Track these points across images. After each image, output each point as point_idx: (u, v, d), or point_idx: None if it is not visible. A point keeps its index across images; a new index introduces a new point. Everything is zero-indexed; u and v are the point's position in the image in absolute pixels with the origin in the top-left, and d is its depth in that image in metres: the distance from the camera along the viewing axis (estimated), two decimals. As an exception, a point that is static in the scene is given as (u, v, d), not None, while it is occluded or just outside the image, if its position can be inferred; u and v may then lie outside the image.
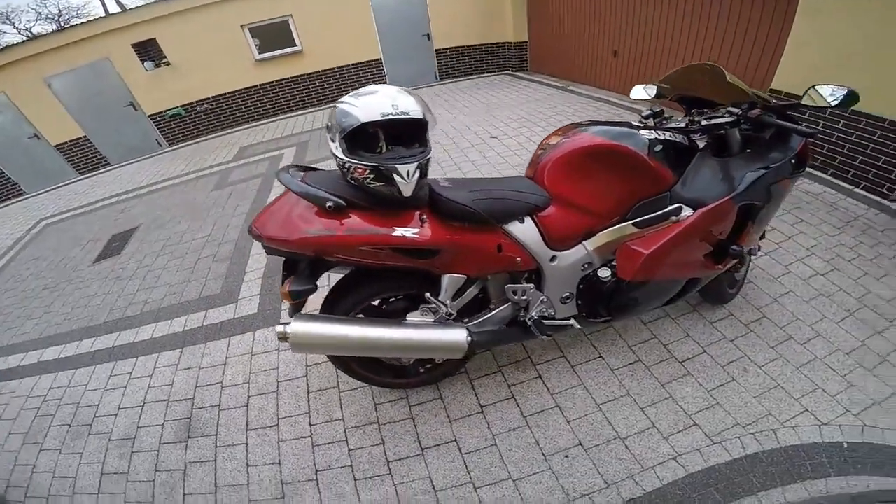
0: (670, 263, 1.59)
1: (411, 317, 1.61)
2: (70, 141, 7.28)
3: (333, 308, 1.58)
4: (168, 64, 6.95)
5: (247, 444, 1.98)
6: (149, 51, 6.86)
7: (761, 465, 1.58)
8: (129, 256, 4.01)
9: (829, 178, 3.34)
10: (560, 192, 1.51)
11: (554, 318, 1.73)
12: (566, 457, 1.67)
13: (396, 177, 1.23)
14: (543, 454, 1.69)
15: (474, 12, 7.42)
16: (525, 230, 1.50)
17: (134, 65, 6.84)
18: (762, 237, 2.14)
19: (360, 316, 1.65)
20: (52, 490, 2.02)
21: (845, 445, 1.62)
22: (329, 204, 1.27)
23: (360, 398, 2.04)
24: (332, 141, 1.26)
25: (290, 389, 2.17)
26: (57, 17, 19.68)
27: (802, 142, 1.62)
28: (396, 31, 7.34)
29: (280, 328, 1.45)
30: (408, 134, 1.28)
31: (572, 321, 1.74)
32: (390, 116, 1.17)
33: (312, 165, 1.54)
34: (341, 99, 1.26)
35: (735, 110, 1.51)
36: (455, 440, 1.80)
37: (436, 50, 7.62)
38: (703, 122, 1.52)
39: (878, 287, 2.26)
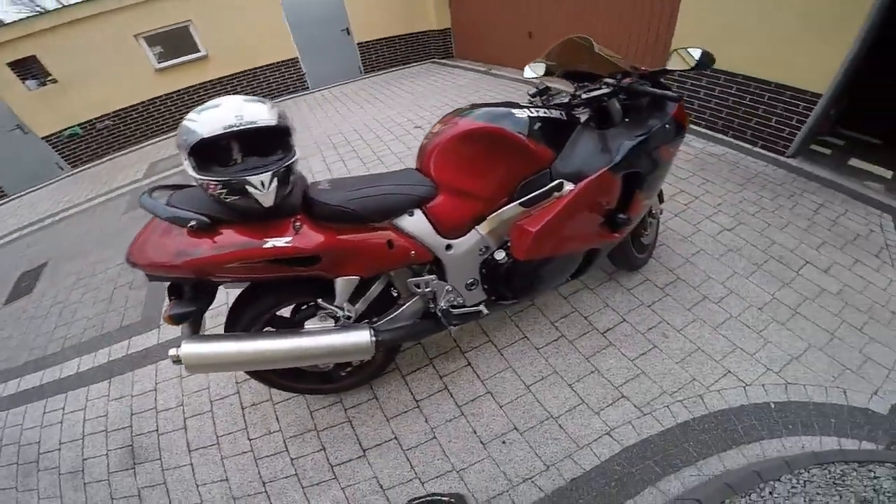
0: (561, 238, 1.62)
1: (310, 324, 1.57)
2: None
3: (235, 324, 1.54)
4: (55, 81, 6.24)
5: (192, 464, 1.91)
6: (29, 68, 6.11)
7: (694, 433, 1.61)
8: (41, 294, 3.66)
9: (729, 139, 3.56)
10: (445, 180, 1.50)
11: (465, 306, 1.73)
12: (504, 442, 1.67)
13: (250, 189, 1.18)
14: (482, 442, 1.69)
15: (394, 2, 7.26)
16: (415, 223, 1.48)
17: (13, 85, 6.07)
18: (661, 200, 2.23)
19: (270, 329, 1.61)
20: None
21: (772, 406, 1.68)
22: (191, 224, 1.22)
23: (294, 408, 1.99)
24: (184, 160, 1.18)
25: (224, 407, 2.09)
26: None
27: (676, 107, 1.68)
28: (312, 27, 7.00)
29: (172, 352, 1.39)
30: (268, 143, 1.22)
31: (481, 307, 1.74)
32: (234, 128, 1.12)
33: (181, 184, 1.43)
34: (187, 116, 1.17)
35: (611, 81, 1.56)
36: (395, 437, 1.79)
37: (357, 44, 7.38)
38: (584, 96, 1.56)
39: (782, 237, 2.42)
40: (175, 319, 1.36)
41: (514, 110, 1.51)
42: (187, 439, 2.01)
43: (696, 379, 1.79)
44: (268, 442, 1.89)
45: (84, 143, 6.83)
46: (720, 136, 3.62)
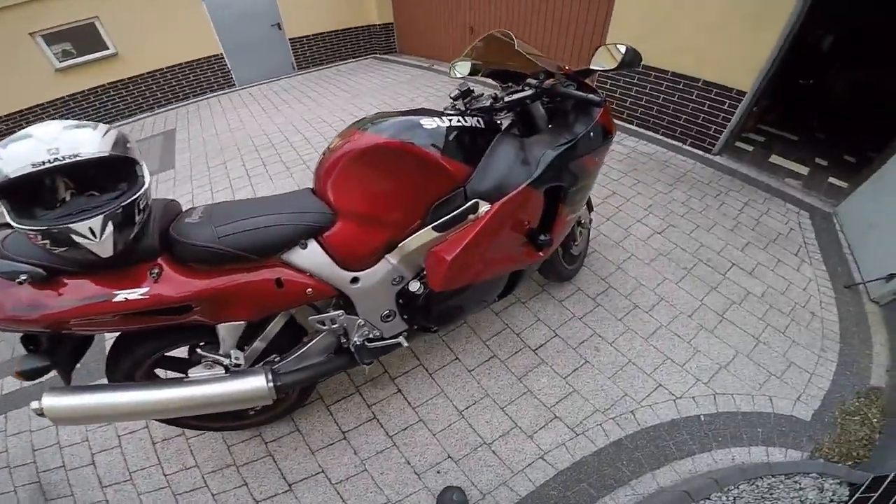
0: (480, 264, 1.43)
1: (195, 371, 1.36)
2: None
3: (115, 372, 1.35)
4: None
5: (107, 499, 1.72)
6: None
7: (626, 450, 1.58)
8: None
9: (660, 137, 3.58)
10: (344, 205, 1.27)
11: (382, 338, 1.54)
12: (438, 472, 1.58)
13: (78, 238, 0.95)
14: (416, 473, 1.59)
15: None
16: (310, 256, 1.25)
17: None
18: (591, 208, 2.13)
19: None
20: None
21: (702, 418, 1.67)
22: (21, 279, 1.02)
23: (210, 442, 1.80)
24: None
25: (133, 442, 1.88)
26: None
27: (601, 111, 1.52)
28: (238, 22, 6.43)
29: (35, 405, 1.18)
30: (106, 177, 1.01)
31: (401, 339, 1.56)
32: (47, 165, 0.88)
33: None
34: None
35: (534, 82, 1.37)
36: (322, 471, 1.65)
37: (290, 39, 6.89)
38: (506, 99, 1.39)
39: (709, 239, 2.42)
40: (26, 375, 1.14)
41: (423, 119, 1.30)
42: (98, 475, 1.78)
43: (627, 394, 1.75)
44: (185, 477, 1.70)
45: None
46: (651, 133, 3.65)
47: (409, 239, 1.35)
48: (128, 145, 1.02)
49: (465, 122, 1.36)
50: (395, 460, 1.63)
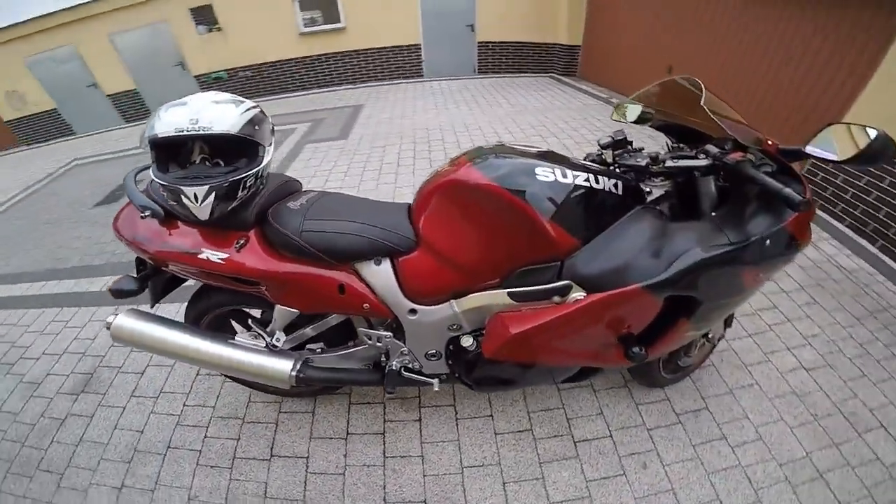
0: (546, 350, 1.24)
1: (241, 337, 1.48)
2: (122, 92, 7.79)
3: (188, 316, 1.54)
4: (220, 29, 7.19)
5: (124, 408, 2.03)
6: (204, 15, 7.10)
7: None
8: (120, 205, 4.28)
9: (875, 251, 2.70)
10: (427, 237, 1.20)
11: (420, 373, 1.48)
12: None
13: (184, 198, 1.11)
14: (384, 500, 1.53)
15: (526, 8, 7.00)
16: (379, 274, 1.23)
17: (189, 28, 7.13)
18: (728, 324, 1.67)
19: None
20: None
21: None
22: (144, 214, 1.22)
23: (238, 392, 1.98)
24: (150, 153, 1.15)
25: (184, 367, 2.15)
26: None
27: (794, 215, 1.06)
28: (441, 17, 7.08)
29: (110, 318, 1.40)
30: (232, 151, 1.15)
31: (435, 381, 1.46)
32: (185, 132, 1.05)
33: None
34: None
35: (714, 150, 1.06)
36: (307, 457, 1.69)
37: (478, 42, 7.29)
38: (669, 163, 1.09)
39: (870, 392, 1.80)
40: (114, 294, 1.35)
41: (542, 168, 1.09)
42: (137, 385, 2.12)
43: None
44: (197, 413, 1.92)
45: (224, 88, 7.79)
46: (864, 243, 2.77)
47: (480, 294, 1.22)
48: (257, 127, 1.15)
49: (598, 183, 1.11)
50: (374, 480, 1.59)
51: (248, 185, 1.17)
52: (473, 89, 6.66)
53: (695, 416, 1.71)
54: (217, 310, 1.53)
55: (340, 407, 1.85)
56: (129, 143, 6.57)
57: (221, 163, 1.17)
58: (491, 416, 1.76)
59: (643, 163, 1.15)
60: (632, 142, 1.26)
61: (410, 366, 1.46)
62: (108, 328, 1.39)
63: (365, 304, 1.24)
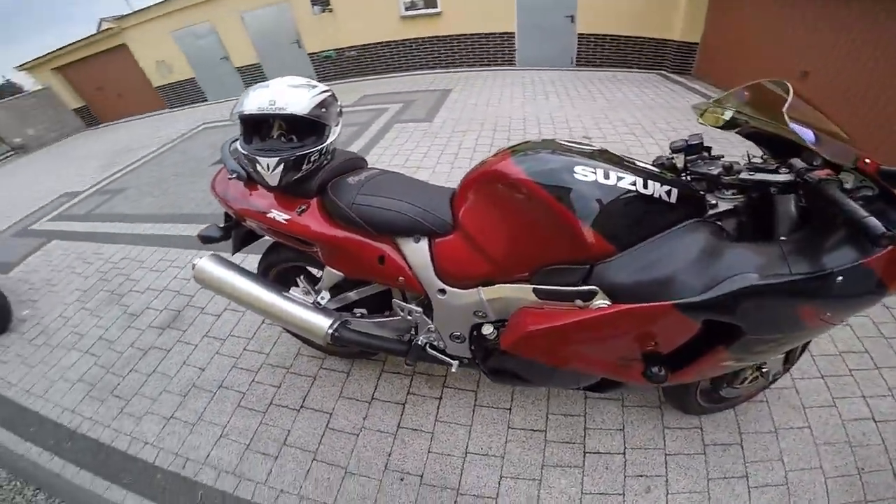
0: (561, 352, 1.22)
1: (294, 291, 1.65)
2: (248, 66, 8.82)
3: (261, 266, 1.79)
4: (331, 10, 7.73)
5: (196, 346, 2.37)
6: (319, -4, 7.68)
7: None
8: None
9: None
10: (463, 223, 1.24)
11: (443, 352, 1.55)
12: (402, 479, 1.60)
13: (259, 168, 1.34)
14: (386, 466, 1.65)
15: (635, 1, 6.45)
16: (416, 251, 1.31)
17: (305, 8, 7.77)
18: (791, 360, 1.47)
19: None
20: (64, 338, 2.70)
21: None
22: (231, 176, 1.48)
23: (290, 343, 2.22)
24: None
25: (252, 315, 2.43)
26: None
27: (880, 252, 0.86)
28: (538, 6, 6.82)
29: (195, 259, 1.68)
30: (303, 129, 1.34)
31: (454, 363, 1.53)
32: (262, 112, 1.26)
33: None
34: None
35: (800, 165, 0.92)
36: (330, 414, 1.86)
37: (578, 34, 6.90)
38: (744, 175, 0.99)
39: None
40: (202, 239, 1.66)
41: (584, 168, 1.04)
42: (212, 326, 2.47)
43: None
44: (252, 358, 2.19)
45: (333, 65, 8.42)
46: None
47: (506, 285, 1.22)
48: (324, 110, 1.33)
49: (646, 188, 1.02)
50: (383, 446, 1.70)
51: (312, 159, 1.35)
52: (567, 81, 6.38)
53: (723, 450, 1.57)
54: (282, 265, 1.76)
55: (372, 373, 2.00)
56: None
57: (294, 138, 1.36)
58: (509, 409, 1.77)
59: (715, 172, 1.04)
60: (710, 148, 1.15)
61: (436, 344, 1.53)
62: (193, 268, 1.66)
63: (400, 277, 1.34)
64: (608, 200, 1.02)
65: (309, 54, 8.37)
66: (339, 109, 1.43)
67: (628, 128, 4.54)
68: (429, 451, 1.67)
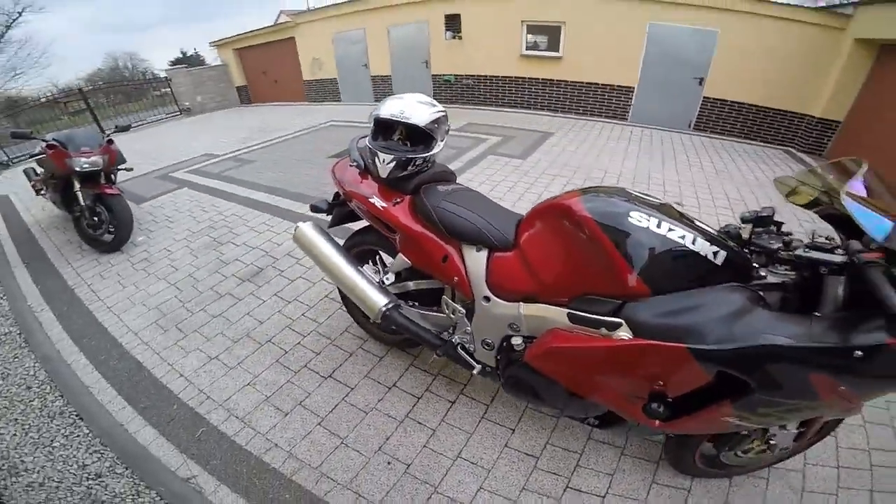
0: (575, 374, 1.33)
1: (367, 268, 1.98)
2: (381, 76, 9.82)
3: (348, 240, 2.11)
4: (460, 38, 8.34)
5: (264, 301, 2.71)
6: (453, 24, 8.35)
7: None
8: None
9: None
10: (524, 244, 1.42)
11: (471, 355, 1.70)
12: (388, 463, 1.73)
13: (377, 160, 1.67)
14: (379, 448, 1.79)
15: (775, 70, 5.98)
16: (475, 259, 1.52)
17: (439, 32, 8.50)
18: (809, 440, 1.39)
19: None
20: (161, 268, 3.26)
21: None
22: (352, 164, 1.84)
23: (342, 319, 2.50)
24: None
25: (320, 287, 2.77)
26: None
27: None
28: (665, 64, 6.64)
29: (301, 223, 2.00)
30: (418, 137, 1.65)
31: (477, 367, 1.68)
32: (392, 118, 1.59)
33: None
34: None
35: (857, 247, 0.93)
36: (351, 388, 2.06)
37: (704, 97, 6.59)
38: (798, 252, 1.01)
39: None
40: (312, 208, 2.06)
41: (642, 214, 1.14)
42: (284, 288, 2.82)
43: None
44: (305, 323, 2.50)
45: (450, 90, 9.03)
46: None
47: (545, 306, 1.36)
48: (437, 126, 1.64)
49: (694, 245, 1.10)
50: (385, 429, 1.85)
51: (417, 163, 1.67)
52: (678, 144, 6.12)
53: None
54: (364, 246, 2.06)
55: (402, 363, 2.18)
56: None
57: (409, 144, 1.68)
58: (513, 430, 1.83)
59: (774, 246, 1.08)
60: (781, 223, 1.15)
61: (467, 346, 1.70)
62: (296, 229, 1.99)
63: (455, 277, 1.55)
64: (654, 247, 1.12)
65: (433, 75, 9.08)
66: (447, 128, 1.73)
67: (728, 202, 4.23)
68: (424, 446, 1.78)
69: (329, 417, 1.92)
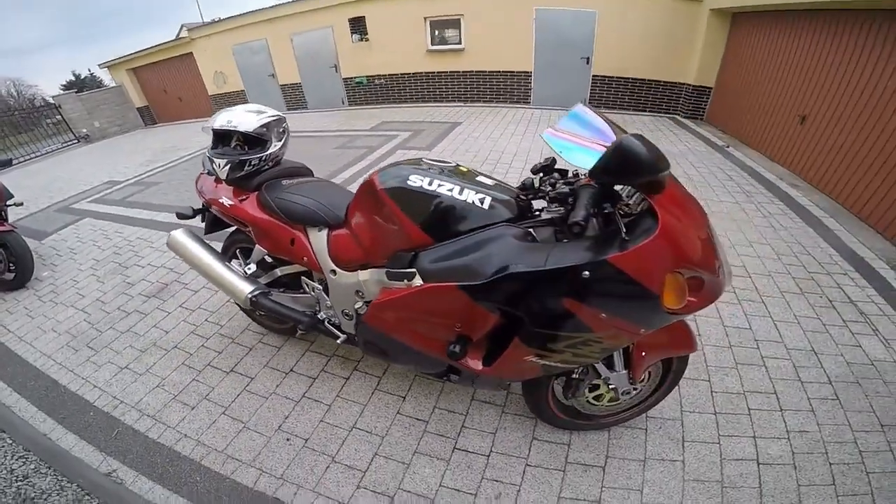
0: (398, 326, 1.49)
1: (234, 263, 2.08)
2: (290, 84, 9.67)
3: (224, 243, 2.26)
4: (367, 40, 8.43)
5: (169, 313, 2.78)
6: (358, 26, 8.41)
7: None
8: None
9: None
10: (349, 218, 1.60)
11: (337, 327, 1.84)
12: (287, 440, 1.85)
13: (213, 165, 1.86)
14: (279, 427, 1.92)
15: (651, 44, 6.66)
16: (318, 238, 1.68)
17: (345, 36, 8.52)
18: (670, 375, 1.60)
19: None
20: (68, 297, 3.17)
21: None
22: (204, 171, 2.06)
23: (243, 319, 2.57)
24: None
25: (222, 294, 2.82)
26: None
27: (623, 250, 1.00)
28: (554, 47, 7.17)
29: (173, 231, 2.11)
30: (252, 141, 1.83)
31: (341, 336, 1.82)
32: (222, 128, 1.78)
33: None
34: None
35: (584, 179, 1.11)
36: (251, 378, 2.18)
37: (593, 76, 7.19)
38: (559, 188, 1.17)
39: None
40: (178, 215, 2.12)
41: (417, 176, 1.32)
42: (188, 299, 2.91)
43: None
44: (208, 328, 2.58)
45: (363, 91, 9.08)
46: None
47: (375, 269, 1.52)
48: (265, 130, 1.80)
49: (461, 195, 1.27)
50: (283, 410, 1.98)
51: (252, 164, 1.82)
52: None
53: (583, 470, 1.64)
54: (238, 243, 2.17)
55: (299, 350, 2.32)
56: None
57: (246, 148, 1.84)
58: (404, 397, 1.98)
59: (546, 189, 1.26)
60: (566, 171, 1.31)
61: (333, 321, 1.84)
62: (168, 236, 2.08)
63: (304, 257, 1.70)
64: (426, 202, 1.30)
65: (344, 79, 9.09)
66: (282, 129, 1.89)
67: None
68: (321, 421, 1.91)
69: (232, 406, 2.02)
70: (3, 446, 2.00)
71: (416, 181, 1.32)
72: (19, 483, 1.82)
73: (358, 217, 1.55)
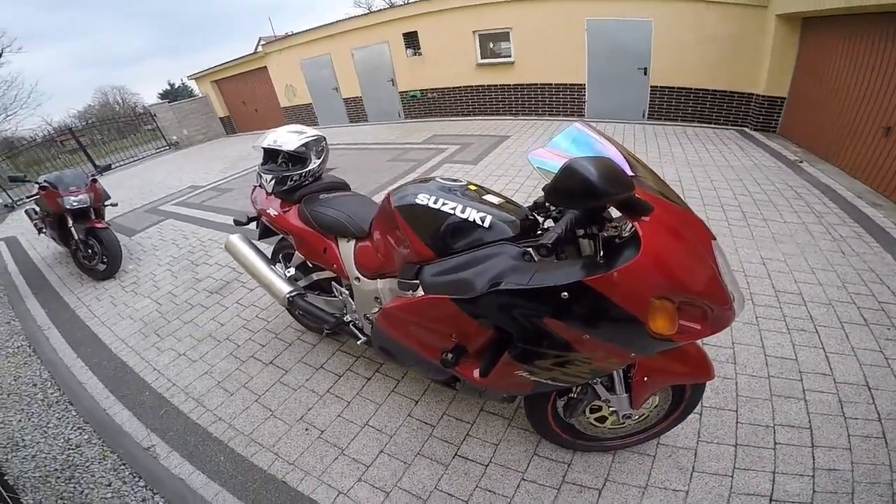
0: (403, 331, 1.56)
1: (278, 266, 2.33)
2: (352, 97, 10.25)
3: (274, 248, 2.54)
4: (420, 54, 8.75)
5: (226, 308, 3.10)
6: (412, 41, 8.77)
7: None
8: None
9: None
10: (371, 231, 1.78)
11: (360, 329, 2.00)
12: (306, 430, 2.04)
13: (261, 179, 2.17)
14: (302, 417, 2.11)
15: (713, 53, 6.24)
16: (346, 248, 1.88)
17: (401, 50, 8.93)
18: (684, 402, 1.54)
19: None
20: (146, 288, 3.66)
21: None
22: (256, 185, 2.30)
23: (288, 317, 2.80)
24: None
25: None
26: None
27: (600, 273, 0.97)
28: (609, 59, 6.95)
29: (230, 236, 2.42)
30: (295, 159, 2.08)
31: (362, 338, 1.97)
32: (269, 147, 2.06)
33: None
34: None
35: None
36: (286, 371, 2.41)
37: (651, 86, 6.87)
38: (553, 212, 1.28)
39: None
40: (235, 222, 2.51)
41: (425, 195, 1.41)
42: (244, 296, 3.26)
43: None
44: (257, 323, 2.87)
45: (417, 104, 9.41)
46: None
47: (391, 278, 1.68)
48: (305, 149, 2.03)
49: (464, 213, 1.33)
50: (307, 402, 2.18)
51: (294, 179, 2.06)
52: (627, 134, 6.40)
53: (578, 491, 1.62)
54: (285, 250, 2.42)
55: (331, 348, 2.52)
56: (344, 139, 8.63)
57: (289, 165, 2.08)
58: (416, 401, 2.10)
59: (551, 209, 1.34)
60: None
61: (357, 323, 2.02)
62: (226, 240, 2.40)
63: (335, 265, 1.90)
64: (432, 219, 1.38)
65: (400, 92, 9.49)
66: (321, 148, 2.11)
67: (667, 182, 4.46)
68: (339, 416, 2.09)
69: (265, 395, 2.26)
70: (68, 417, 2.37)
71: (422, 199, 1.42)
72: (71, 451, 2.15)
73: (377, 231, 1.70)
